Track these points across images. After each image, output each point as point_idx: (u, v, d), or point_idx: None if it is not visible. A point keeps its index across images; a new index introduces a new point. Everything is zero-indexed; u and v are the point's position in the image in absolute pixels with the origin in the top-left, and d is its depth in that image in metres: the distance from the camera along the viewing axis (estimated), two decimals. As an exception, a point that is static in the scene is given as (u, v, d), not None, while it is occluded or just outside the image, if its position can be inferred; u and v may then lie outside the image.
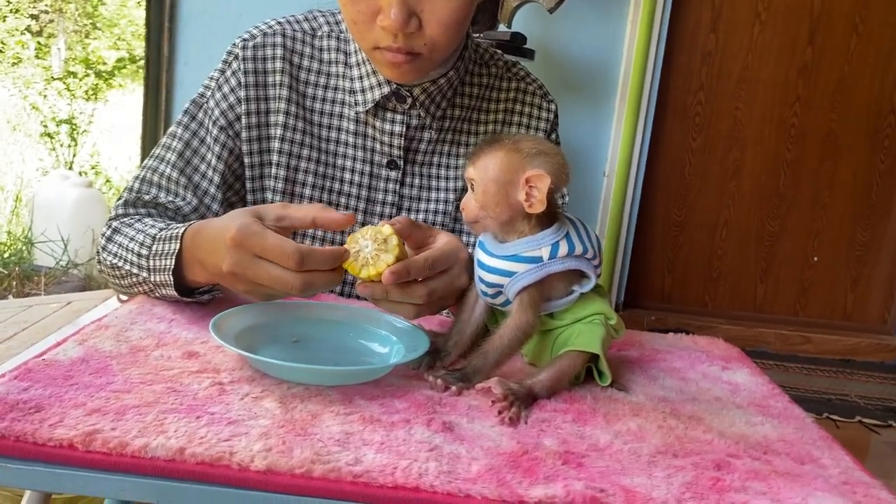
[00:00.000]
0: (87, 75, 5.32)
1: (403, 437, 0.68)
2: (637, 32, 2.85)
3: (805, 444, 0.77)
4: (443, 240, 0.88)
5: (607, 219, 3.02)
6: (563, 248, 0.82)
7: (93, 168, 4.85)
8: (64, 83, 5.12)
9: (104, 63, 6.64)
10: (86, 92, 5.13)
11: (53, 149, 4.71)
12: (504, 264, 0.82)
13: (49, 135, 4.72)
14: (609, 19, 2.87)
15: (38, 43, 8.62)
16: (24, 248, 3.72)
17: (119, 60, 6.61)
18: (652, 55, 2.92)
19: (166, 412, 0.67)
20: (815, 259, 3.28)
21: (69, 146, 4.64)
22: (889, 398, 2.68)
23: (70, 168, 4.60)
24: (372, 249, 0.81)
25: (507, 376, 0.82)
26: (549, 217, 0.83)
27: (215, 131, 1.10)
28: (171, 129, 1.13)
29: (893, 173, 3.22)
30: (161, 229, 0.97)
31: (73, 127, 4.64)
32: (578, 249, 0.83)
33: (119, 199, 1.11)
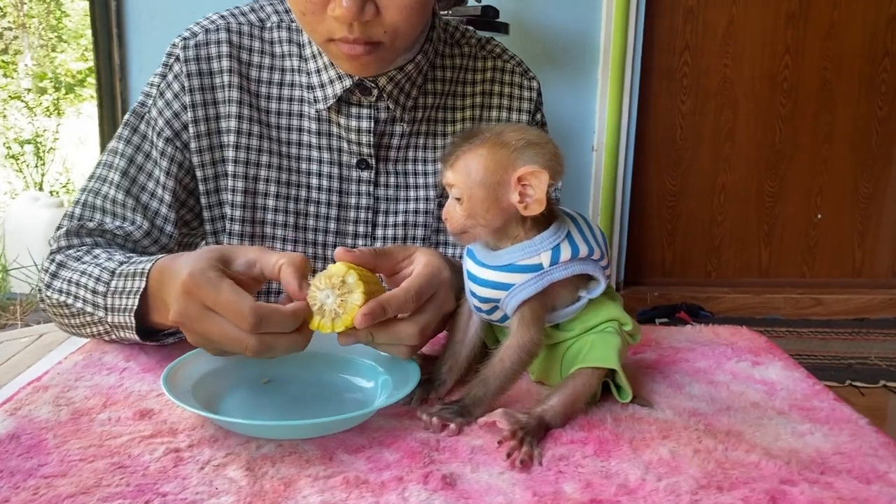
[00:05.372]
0: (45, 91, 5.15)
1: (396, 502, 0.57)
2: (615, -5, 2.73)
3: (866, 456, 0.66)
4: (420, 261, 0.76)
5: (600, 195, 2.92)
6: (566, 252, 0.71)
7: (63, 186, 4.69)
8: (22, 100, 4.94)
9: (73, 76, 6.48)
10: (46, 108, 4.96)
11: (20, 170, 4.55)
12: (499, 276, 0.71)
13: (13, 156, 4.56)
14: (585, -16, 2.76)
15: (3, 61, 8.43)
16: (-2, 276, 3.59)
17: (79, 72, 6.44)
18: (632, 18, 2.79)
19: (108, 499, 0.56)
20: (819, 216, 3.19)
21: (36, 166, 4.48)
22: (910, 356, 2.60)
23: (40, 189, 4.45)
24: (335, 299, 0.69)
25: (512, 402, 0.73)
26: (546, 216, 0.71)
27: (161, 144, 0.98)
28: (111, 144, 1.01)
29: (892, 120, 3.12)
30: (121, 263, 0.85)
31: (38, 145, 4.49)
32: (583, 251, 0.72)
33: (59, 228, 0.99)
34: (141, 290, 0.79)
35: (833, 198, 3.18)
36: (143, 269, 0.80)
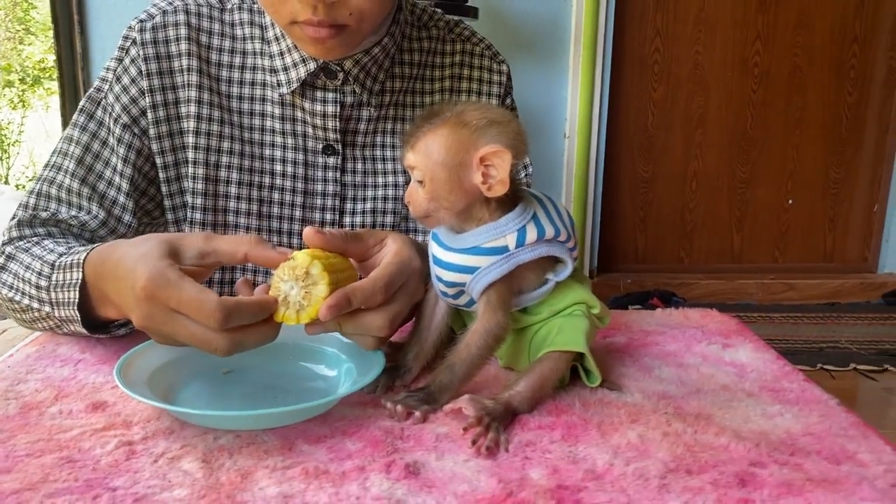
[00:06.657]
0: (13, 84, 5.03)
1: (357, 492, 0.55)
2: (586, -19, 2.71)
3: (836, 437, 0.65)
4: (391, 248, 0.74)
5: (572, 182, 2.90)
6: (532, 233, 0.69)
7: (30, 180, 4.61)
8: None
9: (37, 67, 6.34)
10: (10, 100, 4.85)
11: (-17, 163, 4.46)
12: (464, 259, 0.69)
13: (-26, 150, 4.46)
14: (555, -30, 2.74)
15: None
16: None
17: (42, 60, 6.29)
18: (603, 4, 2.78)
19: (55, 495, 0.53)
20: (790, 202, 3.20)
21: (1, 159, 4.38)
22: (880, 339, 2.63)
23: (6, 182, 4.36)
24: (299, 290, 0.66)
25: (480, 388, 0.71)
26: (511, 197, 0.70)
27: (118, 130, 0.95)
28: (67, 131, 0.97)
29: (862, 105, 3.14)
30: (61, 254, 0.82)
31: (2, 138, 4.38)
32: (549, 232, 0.70)
33: (12, 218, 0.95)
34: (79, 281, 0.75)
35: (804, 183, 3.20)
36: (78, 259, 0.76)
